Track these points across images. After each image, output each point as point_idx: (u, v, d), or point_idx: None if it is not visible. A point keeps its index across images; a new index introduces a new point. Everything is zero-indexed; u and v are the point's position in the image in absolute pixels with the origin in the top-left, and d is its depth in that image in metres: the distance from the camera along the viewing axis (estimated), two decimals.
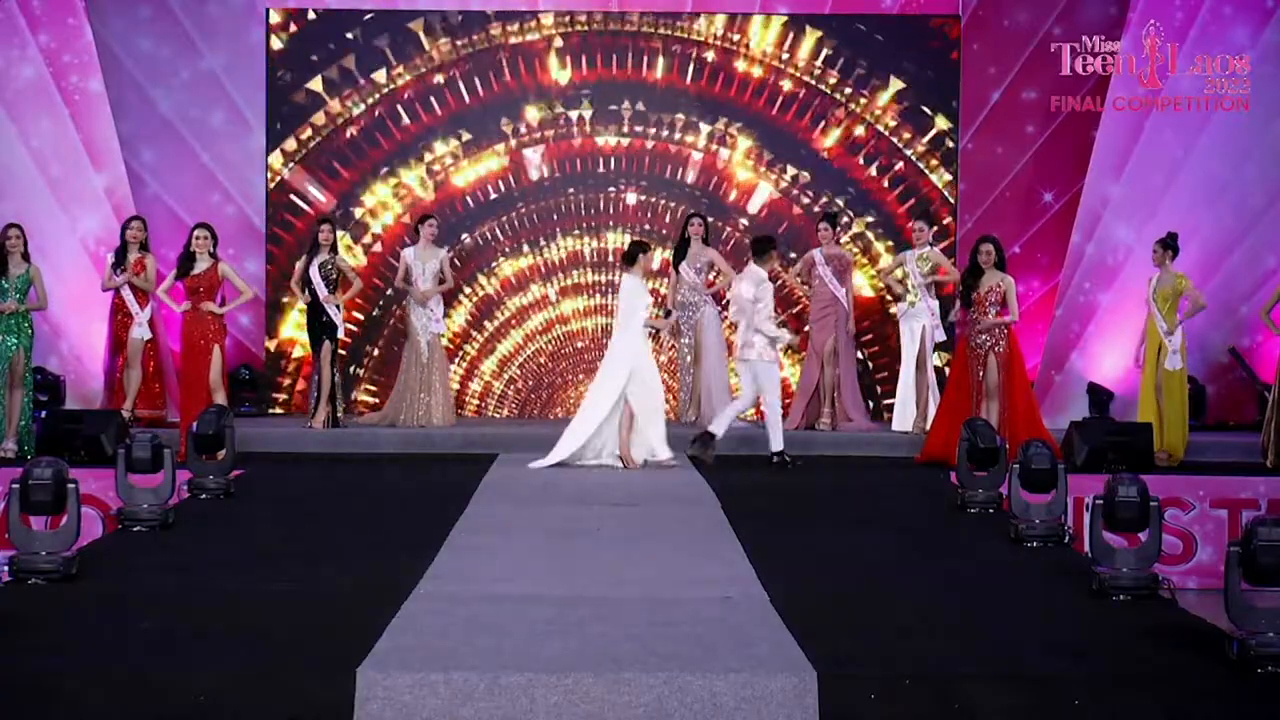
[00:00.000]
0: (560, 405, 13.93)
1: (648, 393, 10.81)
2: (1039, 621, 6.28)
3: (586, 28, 13.80)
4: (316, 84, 13.69)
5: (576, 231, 13.92)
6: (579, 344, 13.97)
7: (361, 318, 13.62)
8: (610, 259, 13.84)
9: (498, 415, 13.89)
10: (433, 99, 13.78)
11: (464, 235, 13.76)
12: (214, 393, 11.34)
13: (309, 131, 13.70)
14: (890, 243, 13.68)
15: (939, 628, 6.07)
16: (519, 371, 13.97)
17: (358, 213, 13.75)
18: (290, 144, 13.68)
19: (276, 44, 13.65)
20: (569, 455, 10.77)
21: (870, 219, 13.81)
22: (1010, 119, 13.79)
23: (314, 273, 12.27)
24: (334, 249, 12.44)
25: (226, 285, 11.77)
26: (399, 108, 13.77)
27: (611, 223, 13.92)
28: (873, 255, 13.76)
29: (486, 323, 13.91)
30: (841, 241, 13.25)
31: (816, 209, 13.58)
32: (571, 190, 13.88)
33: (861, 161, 13.80)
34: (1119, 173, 13.45)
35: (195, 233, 11.67)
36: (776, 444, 11.06)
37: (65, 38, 13.17)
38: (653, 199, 13.89)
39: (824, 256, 12.63)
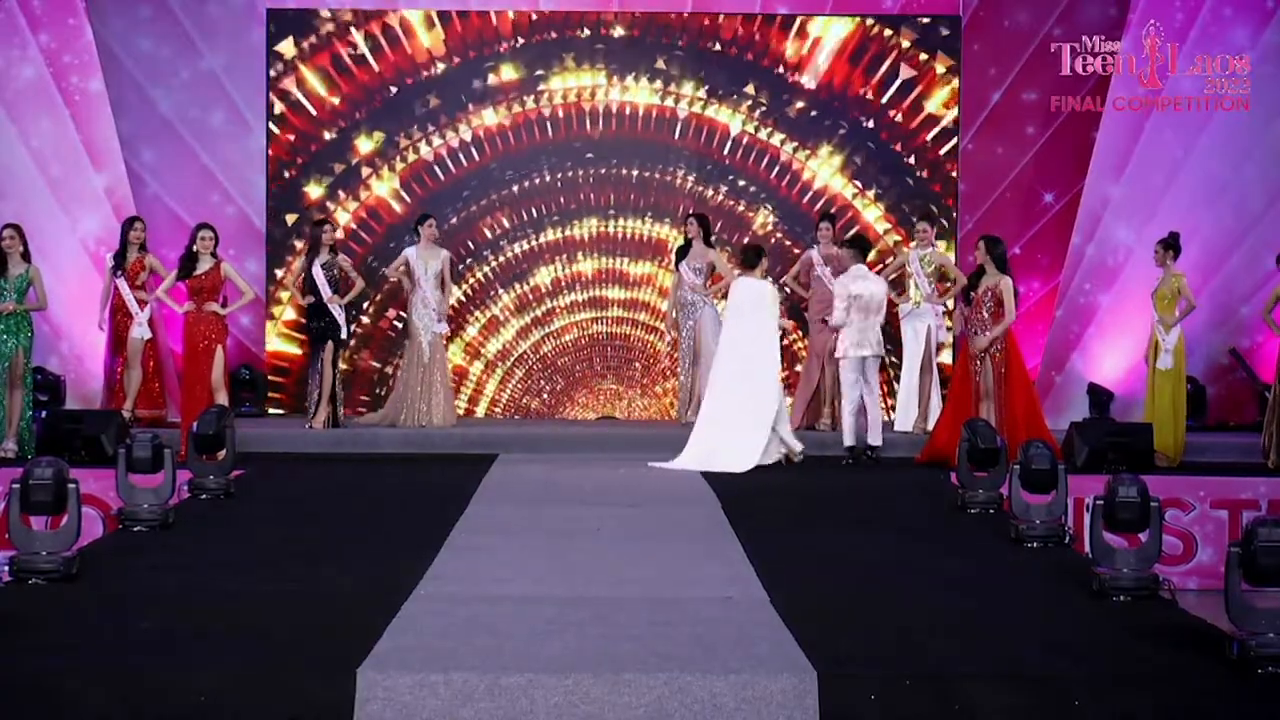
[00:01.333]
0: (563, 406, 13.92)
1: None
2: (1039, 622, 6.27)
3: (588, 27, 13.84)
4: (316, 83, 13.69)
5: (580, 223, 13.92)
6: (581, 344, 13.97)
7: (362, 318, 13.63)
8: (605, 247, 13.84)
9: (495, 414, 13.88)
10: (432, 95, 13.78)
11: (452, 219, 13.73)
12: (216, 393, 11.33)
13: (308, 128, 13.70)
14: (889, 242, 13.72)
15: (939, 628, 6.07)
16: (520, 371, 13.96)
17: (357, 210, 13.75)
18: (290, 142, 13.68)
19: (276, 44, 13.65)
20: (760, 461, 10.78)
21: (868, 219, 13.82)
22: (1010, 119, 13.79)
23: (317, 273, 12.27)
24: (334, 249, 12.44)
25: (228, 286, 11.76)
26: (398, 104, 13.77)
27: (614, 213, 13.90)
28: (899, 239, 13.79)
29: (485, 320, 13.92)
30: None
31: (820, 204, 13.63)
32: (577, 178, 13.88)
33: (860, 161, 13.81)
34: (1119, 173, 13.46)
35: (199, 233, 11.63)
36: (876, 439, 11.28)
37: (65, 38, 13.18)
38: (653, 190, 13.91)
39: (821, 256, 12.61)
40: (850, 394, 11.32)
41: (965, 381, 11.24)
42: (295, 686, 5.23)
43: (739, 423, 10.78)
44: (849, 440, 11.28)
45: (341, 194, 13.75)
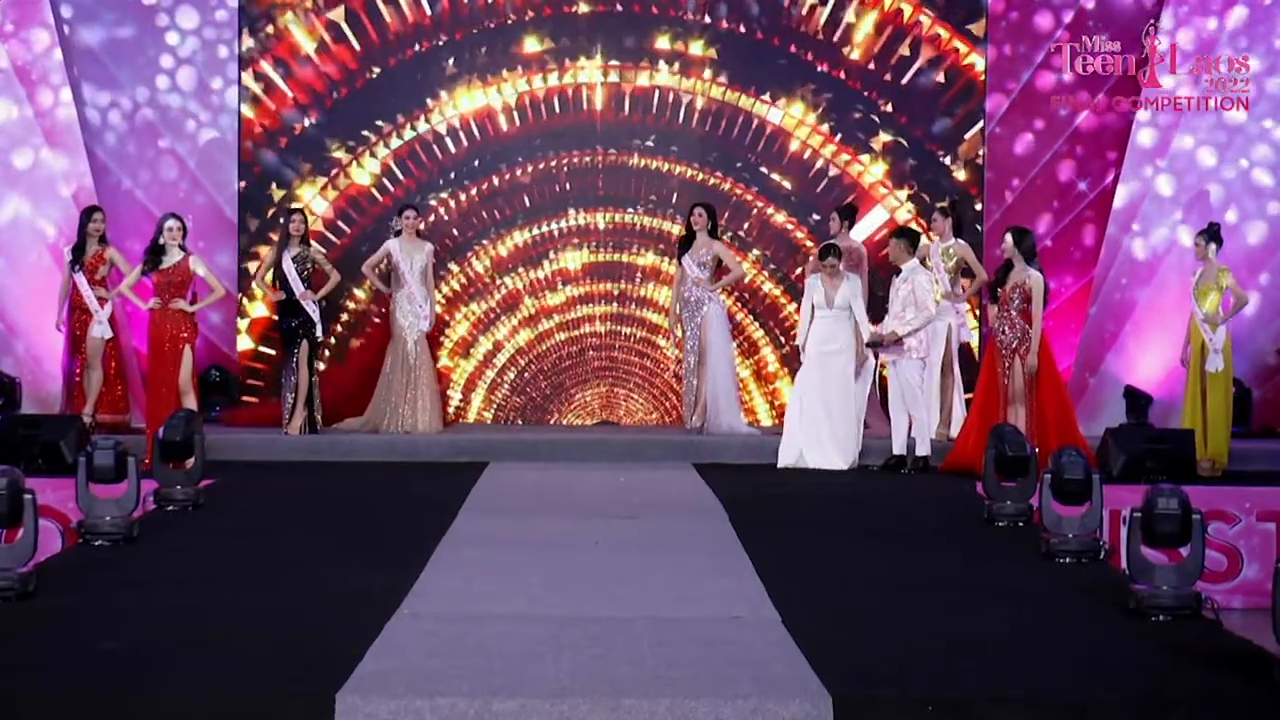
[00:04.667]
0: (559, 410, 13.92)
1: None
2: (1072, 643, 6.27)
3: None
4: (291, 63, 13.68)
5: (576, 213, 13.92)
6: (578, 344, 13.97)
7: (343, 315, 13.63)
8: (608, 250, 13.86)
9: (487, 419, 13.89)
10: (418, 75, 13.78)
11: (443, 213, 13.76)
12: (183, 396, 11.33)
13: (284, 111, 13.69)
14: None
15: (964, 649, 6.06)
16: (512, 373, 13.96)
17: (336, 199, 13.74)
18: (264, 128, 13.67)
19: (247, 23, 13.65)
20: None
21: (888, 207, 13.83)
22: (1041, 102, 13.78)
23: (287, 267, 12.22)
24: (307, 240, 12.39)
25: (197, 281, 11.75)
26: (379, 86, 13.76)
27: (614, 206, 13.91)
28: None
29: (475, 319, 13.92)
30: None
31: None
32: (572, 171, 13.88)
33: (879, 147, 13.80)
34: (1158, 161, 13.45)
35: (165, 223, 11.61)
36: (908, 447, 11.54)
37: (26, 18, 13.19)
38: (660, 177, 13.91)
39: None
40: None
41: (992, 384, 11.23)
42: (269, 713, 5.22)
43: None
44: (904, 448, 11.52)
45: (319, 181, 13.74)
